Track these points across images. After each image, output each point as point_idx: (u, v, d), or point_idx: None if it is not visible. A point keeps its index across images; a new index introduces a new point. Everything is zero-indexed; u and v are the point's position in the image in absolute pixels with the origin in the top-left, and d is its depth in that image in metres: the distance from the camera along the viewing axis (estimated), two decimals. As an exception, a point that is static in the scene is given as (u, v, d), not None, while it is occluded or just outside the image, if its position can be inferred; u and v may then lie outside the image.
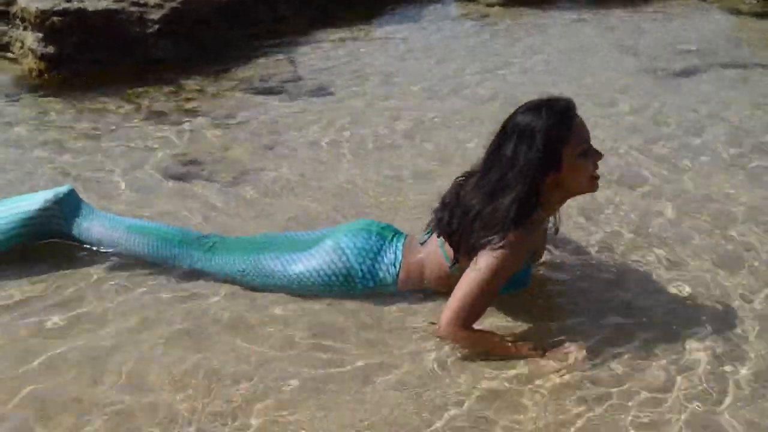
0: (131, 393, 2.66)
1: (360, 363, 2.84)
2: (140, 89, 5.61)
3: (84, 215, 3.48)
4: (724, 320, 3.11)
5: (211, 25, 6.42)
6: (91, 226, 3.46)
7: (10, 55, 6.11)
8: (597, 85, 5.80)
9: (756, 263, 3.52)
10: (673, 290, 3.29)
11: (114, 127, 5.02)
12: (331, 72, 6.07)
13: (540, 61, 6.36)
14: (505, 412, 2.62)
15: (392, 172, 4.45)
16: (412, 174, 4.42)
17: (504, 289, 3.00)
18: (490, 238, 2.84)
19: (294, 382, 2.73)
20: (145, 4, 6.14)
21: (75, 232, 3.47)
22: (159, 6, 6.17)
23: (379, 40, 6.90)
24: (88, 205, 3.54)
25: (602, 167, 2.97)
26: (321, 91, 5.69)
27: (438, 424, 2.56)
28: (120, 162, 4.52)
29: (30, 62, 5.86)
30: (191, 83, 5.77)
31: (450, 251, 3.03)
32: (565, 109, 2.90)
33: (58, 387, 2.70)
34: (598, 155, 2.95)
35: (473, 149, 4.56)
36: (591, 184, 2.98)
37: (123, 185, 4.26)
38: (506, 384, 2.76)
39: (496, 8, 7.69)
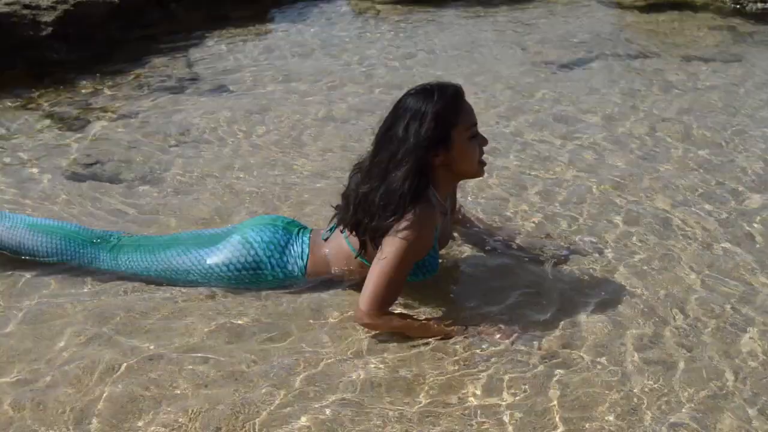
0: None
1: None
2: (36, 92, 5.52)
3: None
4: (612, 291, 3.25)
5: (105, 27, 6.35)
6: None
7: None
8: (486, 77, 5.89)
9: (642, 224, 3.74)
10: (575, 270, 3.39)
11: (10, 131, 4.94)
12: (228, 70, 6.05)
13: (430, 56, 6.43)
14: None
15: (294, 167, 4.46)
16: (312, 169, 4.44)
17: (414, 276, 3.03)
18: (391, 217, 2.86)
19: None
20: (37, 7, 6.03)
21: None
22: (51, 8, 6.06)
23: (272, 37, 6.88)
24: None
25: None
26: (219, 89, 5.68)
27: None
28: (19, 167, 4.43)
29: None
30: (88, 84, 5.70)
31: (355, 242, 3.04)
32: (454, 92, 2.96)
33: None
34: (485, 141, 3.03)
35: (366, 142, 4.66)
36: (479, 167, 3.06)
37: (22, 190, 4.15)
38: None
39: (388, 6, 7.72)
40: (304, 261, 3.18)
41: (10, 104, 5.33)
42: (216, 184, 4.23)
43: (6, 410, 2.53)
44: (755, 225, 3.83)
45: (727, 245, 3.63)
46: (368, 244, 2.98)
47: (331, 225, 3.19)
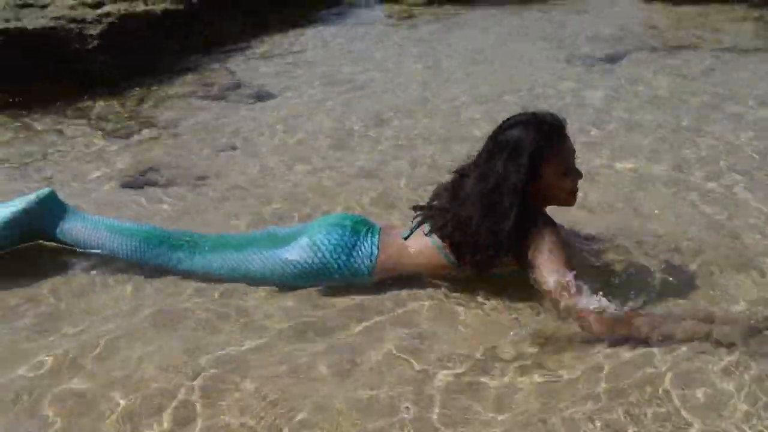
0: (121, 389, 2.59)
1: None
2: (85, 104, 5.55)
3: (65, 217, 3.44)
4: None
5: (148, 38, 6.40)
6: (73, 227, 3.42)
7: None
8: (521, 73, 5.88)
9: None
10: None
11: (61, 142, 4.95)
12: (269, 76, 6.14)
13: (463, 56, 6.44)
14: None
15: (345, 167, 4.44)
16: (362, 168, 4.42)
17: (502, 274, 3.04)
18: (497, 254, 2.89)
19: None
20: (83, 20, 6.08)
21: (57, 232, 3.43)
22: (97, 21, 6.12)
23: (310, 43, 6.99)
24: (69, 207, 3.50)
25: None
26: (262, 95, 5.70)
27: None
28: (77, 177, 4.44)
29: None
30: (135, 94, 5.73)
31: (449, 251, 3.04)
32: (552, 130, 2.95)
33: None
34: (578, 175, 3.01)
35: (414, 141, 4.74)
36: (568, 198, 3.05)
37: (78, 198, 4.09)
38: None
39: (420, 8, 7.82)
40: (373, 261, 3.18)
41: (59, 115, 5.37)
42: (262, 187, 4.23)
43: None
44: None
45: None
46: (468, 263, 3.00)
47: (414, 225, 3.19)
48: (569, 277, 2.80)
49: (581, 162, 3.08)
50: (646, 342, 2.67)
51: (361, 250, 3.19)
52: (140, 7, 6.48)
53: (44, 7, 6.21)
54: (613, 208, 3.79)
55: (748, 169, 4.16)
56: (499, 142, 2.97)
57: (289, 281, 3.21)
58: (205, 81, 6.02)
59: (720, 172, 4.15)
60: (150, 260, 3.35)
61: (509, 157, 2.91)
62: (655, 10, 7.62)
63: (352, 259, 3.18)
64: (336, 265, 3.17)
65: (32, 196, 3.41)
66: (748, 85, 5.50)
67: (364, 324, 2.95)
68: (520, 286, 3.00)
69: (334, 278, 3.18)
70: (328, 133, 4.92)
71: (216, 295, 3.16)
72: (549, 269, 2.84)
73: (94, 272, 3.32)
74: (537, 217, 2.95)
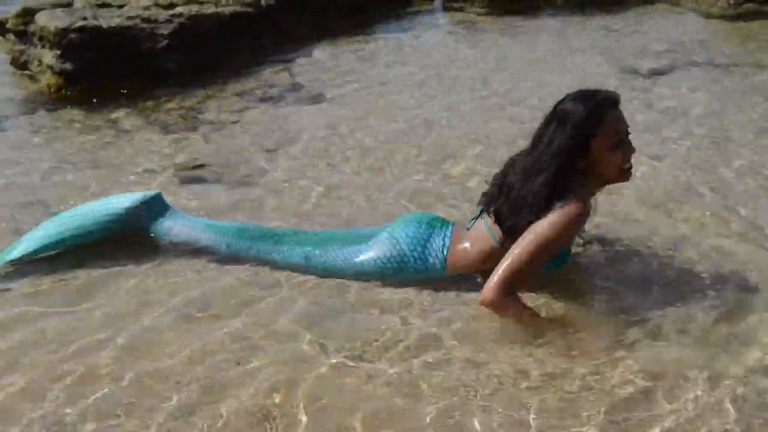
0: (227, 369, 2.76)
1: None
2: (152, 100, 5.66)
3: (168, 216, 3.65)
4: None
5: (217, 39, 6.45)
6: (174, 225, 3.62)
7: (28, 72, 6.16)
8: (577, 83, 5.79)
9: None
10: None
11: (130, 137, 5.08)
12: (328, 80, 6.11)
13: (522, 64, 6.43)
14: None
15: (393, 170, 4.51)
16: (417, 170, 4.49)
17: (547, 266, 3.08)
18: (525, 217, 2.96)
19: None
20: (155, 21, 6.19)
21: (158, 229, 3.63)
22: (168, 21, 6.21)
23: (372, 48, 6.96)
24: (172, 207, 3.72)
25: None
26: (319, 98, 5.73)
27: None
28: (136, 166, 4.58)
29: (48, 78, 5.88)
30: (199, 93, 5.81)
31: (496, 230, 3.10)
32: (600, 102, 2.99)
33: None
34: (631, 149, 3.03)
35: (465, 144, 4.77)
36: (620, 174, 3.05)
37: (140, 187, 4.28)
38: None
39: (483, 17, 7.81)
40: (444, 253, 3.24)
41: (127, 109, 5.51)
42: (314, 185, 4.30)
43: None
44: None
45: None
46: (505, 234, 3.06)
47: (474, 215, 3.27)
48: (509, 290, 2.94)
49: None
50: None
51: (434, 242, 3.27)
52: (210, 9, 6.54)
53: (121, 6, 6.37)
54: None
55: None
56: (551, 115, 3.03)
57: (366, 275, 3.32)
58: (266, 82, 6.06)
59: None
60: (240, 253, 3.52)
61: (557, 127, 2.97)
62: (717, 24, 7.56)
63: (426, 252, 3.26)
64: (412, 258, 3.25)
65: (139, 196, 3.66)
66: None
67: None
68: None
69: (410, 272, 3.27)
70: (380, 139, 4.97)
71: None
72: (510, 263, 2.94)
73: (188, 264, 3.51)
74: (572, 194, 2.96)
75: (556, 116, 3.00)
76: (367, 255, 3.31)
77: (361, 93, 5.84)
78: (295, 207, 4.06)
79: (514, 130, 4.89)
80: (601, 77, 5.96)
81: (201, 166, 4.60)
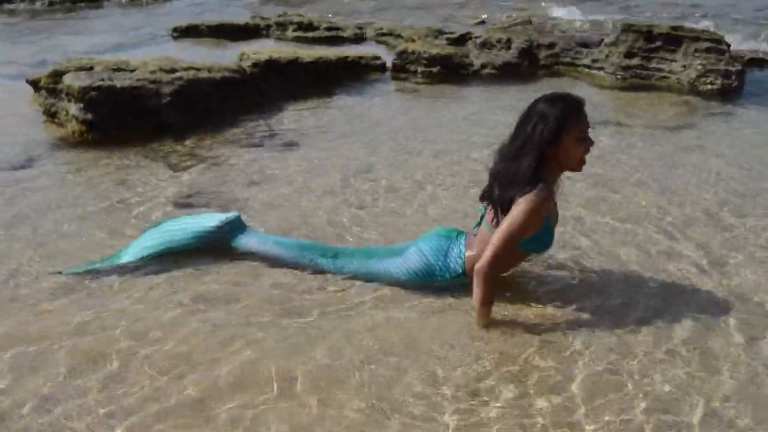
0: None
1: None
2: (156, 145, 5.82)
3: (244, 233, 3.90)
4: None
5: (209, 98, 6.60)
6: (249, 241, 3.87)
7: (57, 120, 6.29)
8: (498, 134, 5.75)
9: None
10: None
11: (137, 173, 5.24)
12: (298, 130, 6.26)
13: (458, 121, 6.63)
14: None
15: (348, 199, 4.78)
16: (365, 200, 4.76)
17: (531, 245, 3.24)
18: (514, 191, 3.10)
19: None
20: (160, 82, 6.38)
21: (236, 244, 3.89)
22: (170, 83, 6.40)
23: (334, 107, 7.10)
24: (247, 226, 3.96)
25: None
26: (291, 145, 5.91)
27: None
28: (144, 197, 4.80)
29: (73, 126, 6.03)
30: (194, 140, 5.96)
31: (493, 227, 3.20)
32: (573, 104, 3.17)
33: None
34: (591, 143, 3.21)
35: (410, 183, 5.07)
36: (579, 164, 3.21)
37: (143, 213, 4.54)
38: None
39: (423, 85, 7.96)
40: (463, 259, 3.38)
41: (136, 151, 5.70)
42: (285, 211, 4.56)
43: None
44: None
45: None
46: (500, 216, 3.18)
47: (477, 221, 3.41)
48: (498, 264, 3.11)
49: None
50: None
51: (453, 251, 3.40)
52: (204, 74, 6.71)
53: (132, 71, 6.53)
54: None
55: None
56: (529, 113, 3.18)
57: (402, 282, 3.52)
58: (249, 131, 6.20)
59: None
60: (300, 263, 3.74)
61: (537, 122, 3.11)
62: (609, 94, 7.72)
63: (448, 260, 3.39)
64: (437, 266, 3.41)
65: (223, 217, 3.91)
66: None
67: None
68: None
69: (437, 279, 3.45)
70: (342, 173, 5.23)
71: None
72: (496, 241, 3.08)
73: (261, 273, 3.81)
74: (541, 182, 3.11)
75: (536, 114, 3.13)
76: (402, 267, 3.46)
77: (324, 141, 6.00)
78: (267, 227, 4.28)
79: (444, 166, 5.28)
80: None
81: (193, 195, 4.81)
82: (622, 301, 3.57)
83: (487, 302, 3.18)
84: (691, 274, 3.84)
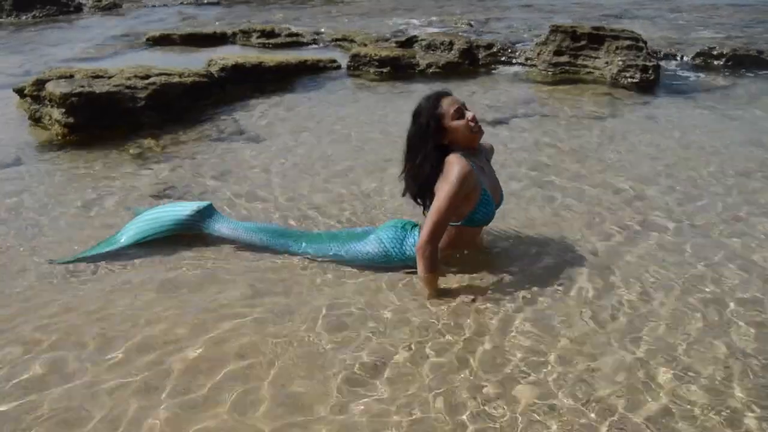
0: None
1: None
2: (133, 144, 5.80)
3: (216, 220, 3.89)
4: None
5: (181, 100, 6.62)
6: (221, 227, 3.85)
7: (41, 124, 6.30)
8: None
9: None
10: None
11: (115, 168, 5.25)
12: (264, 127, 6.24)
13: (401, 114, 6.24)
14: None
15: (314, 185, 4.80)
16: (329, 185, 4.78)
17: (469, 221, 3.24)
18: (424, 185, 3.16)
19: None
20: (135, 87, 6.39)
21: (209, 229, 3.87)
22: (145, 88, 6.41)
23: (293, 103, 7.10)
24: (219, 213, 3.96)
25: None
26: (257, 139, 5.91)
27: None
28: (120, 191, 4.79)
29: (56, 129, 6.03)
30: (168, 138, 5.95)
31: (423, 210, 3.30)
32: (437, 93, 3.26)
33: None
34: (468, 112, 3.21)
35: (367, 169, 5.09)
36: (471, 135, 3.22)
37: (121, 203, 4.55)
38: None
39: (375, 81, 8.02)
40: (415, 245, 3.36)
41: (115, 150, 5.68)
42: (253, 199, 4.55)
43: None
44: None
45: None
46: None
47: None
48: (434, 240, 3.11)
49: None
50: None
51: (408, 240, 3.42)
52: (176, 79, 6.74)
53: (110, 77, 6.55)
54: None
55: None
56: (413, 115, 3.28)
57: (362, 264, 3.54)
58: (218, 128, 6.21)
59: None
60: (269, 246, 3.73)
61: (415, 119, 3.22)
62: (539, 87, 7.75)
63: (404, 248, 3.42)
64: (393, 253, 3.44)
65: (195, 206, 3.91)
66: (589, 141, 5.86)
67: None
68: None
69: (394, 262, 3.47)
70: (300, 165, 5.22)
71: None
72: (430, 218, 3.09)
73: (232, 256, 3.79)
74: (450, 154, 3.14)
75: (414, 116, 3.24)
76: (362, 251, 3.48)
77: (287, 133, 6.03)
78: (237, 214, 4.31)
79: (398, 151, 5.01)
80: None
81: (168, 187, 4.81)
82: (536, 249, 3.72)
83: (427, 273, 3.20)
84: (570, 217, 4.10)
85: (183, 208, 3.94)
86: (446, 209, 3.10)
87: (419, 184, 3.23)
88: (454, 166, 3.10)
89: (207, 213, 3.92)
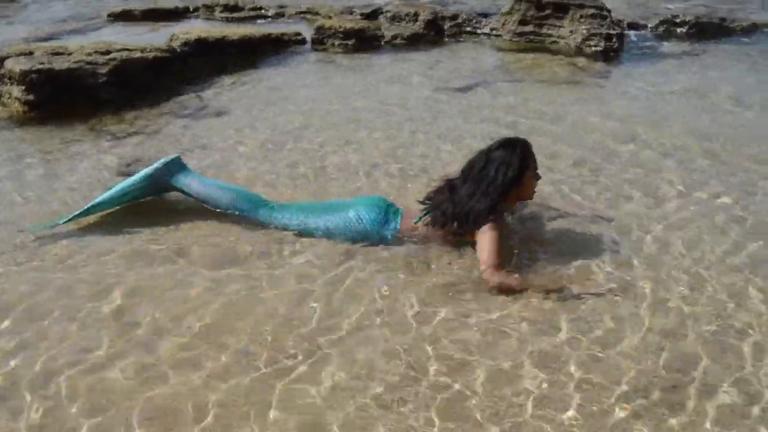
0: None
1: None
2: (96, 120, 5.78)
3: (185, 174, 3.85)
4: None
5: (142, 76, 6.58)
6: (191, 182, 3.82)
7: (0, 102, 6.18)
8: (403, 94, 6.30)
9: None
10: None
11: (80, 146, 5.24)
12: (228, 101, 6.27)
13: (368, 88, 6.67)
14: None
15: (276, 159, 4.86)
16: (293, 156, 4.86)
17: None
18: (471, 226, 3.27)
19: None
20: (96, 63, 6.34)
21: (178, 185, 3.83)
22: (105, 64, 6.37)
23: (258, 78, 7.10)
24: (189, 169, 3.90)
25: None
26: (221, 113, 5.93)
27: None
28: (84, 166, 4.82)
29: (16, 107, 6.00)
30: (131, 114, 5.93)
31: (424, 224, 3.46)
32: (525, 145, 3.37)
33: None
34: (539, 177, 3.45)
35: (334, 142, 5.15)
36: (532, 195, 3.49)
37: (87, 181, 4.56)
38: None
39: (340, 55, 8.01)
40: (395, 233, 3.53)
41: (77, 127, 5.66)
42: (219, 173, 4.59)
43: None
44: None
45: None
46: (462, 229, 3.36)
47: (420, 216, 3.52)
48: (491, 260, 3.18)
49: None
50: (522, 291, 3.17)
51: (390, 225, 3.52)
52: (137, 54, 6.66)
53: (70, 54, 6.46)
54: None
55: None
56: (491, 159, 3.33)
57: (338, 238, 3.59)
58: (181, 104, 6.21)
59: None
60: (242, 212, 3.73)
61: (499, 166, 3.29)
62: (506, 55, 7.90)
63: (383, 230, 3.53)
64: (373, 233, 3.54)
65: (162, 160, 3.85)
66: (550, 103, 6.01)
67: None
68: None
69: (369, 239, 3.56)
70: (267, 138, 5.28)
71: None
72: (489, 248, 3.21)
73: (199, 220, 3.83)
74: (497, 215, 3.29)
75: (497, 159, 3.29)
76: (340, 226, 3.55)
77: (251, 108, 6.06)
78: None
79: (364, 122, 5.43)
80: (422, 91, 6.42)
81: (132, 163, 4.82)
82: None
83: (521, 285, 3.21)
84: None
85: (150, 167, 3.90)
86: (499, 246, 3.24)
87: (462, 212, 3.32)
88: (500, 226, 3.29)
89: (175, 165, 3.87)
